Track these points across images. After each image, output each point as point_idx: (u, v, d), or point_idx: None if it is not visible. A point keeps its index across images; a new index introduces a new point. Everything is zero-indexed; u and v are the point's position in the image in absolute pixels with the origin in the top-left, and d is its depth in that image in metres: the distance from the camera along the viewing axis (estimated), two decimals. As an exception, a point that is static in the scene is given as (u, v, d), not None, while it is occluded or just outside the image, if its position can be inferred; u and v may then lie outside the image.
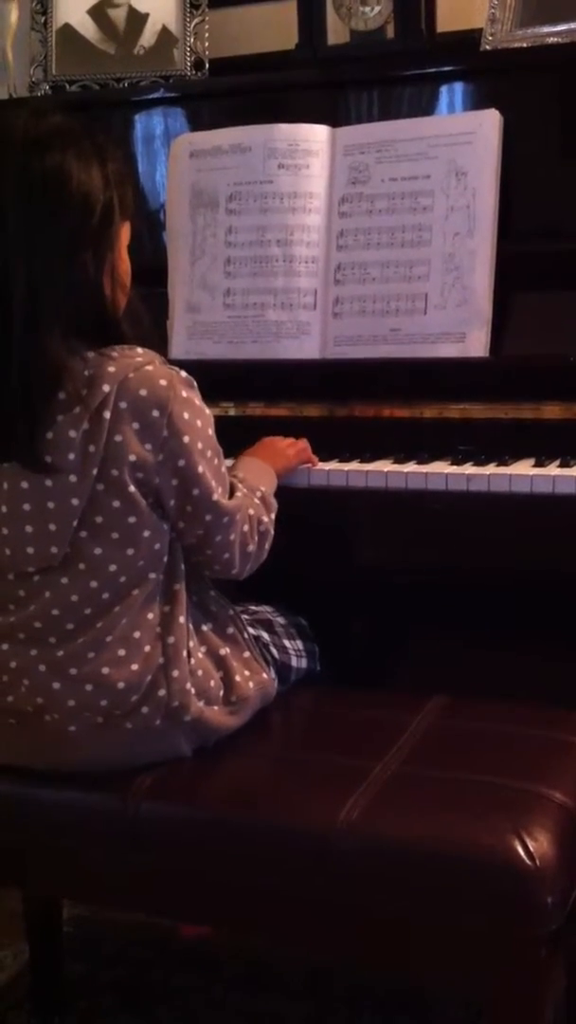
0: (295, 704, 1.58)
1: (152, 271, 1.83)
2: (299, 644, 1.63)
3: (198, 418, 1.37)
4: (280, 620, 1.64)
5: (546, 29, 1.92)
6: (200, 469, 1.37)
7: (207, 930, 1.93)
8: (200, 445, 1.37)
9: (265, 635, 1.58)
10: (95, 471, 1.32)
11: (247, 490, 1.48)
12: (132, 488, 1.34)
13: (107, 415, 1.31)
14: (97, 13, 2.28)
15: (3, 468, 1.35)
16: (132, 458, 1.33)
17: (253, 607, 1.63)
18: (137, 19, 2.26)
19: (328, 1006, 1.80)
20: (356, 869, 1.27)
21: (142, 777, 1.40)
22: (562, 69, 1.84)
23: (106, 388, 1.31)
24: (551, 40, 1.91)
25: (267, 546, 1.49)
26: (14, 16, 2.32)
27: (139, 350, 1.36)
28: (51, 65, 2.30)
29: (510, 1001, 1.26)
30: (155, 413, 1.33)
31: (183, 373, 1.37)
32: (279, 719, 1.53)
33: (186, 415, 1.35)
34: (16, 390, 1.30)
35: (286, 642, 1.61)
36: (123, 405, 1.31)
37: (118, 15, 2.28)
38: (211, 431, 1.40)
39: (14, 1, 2.32)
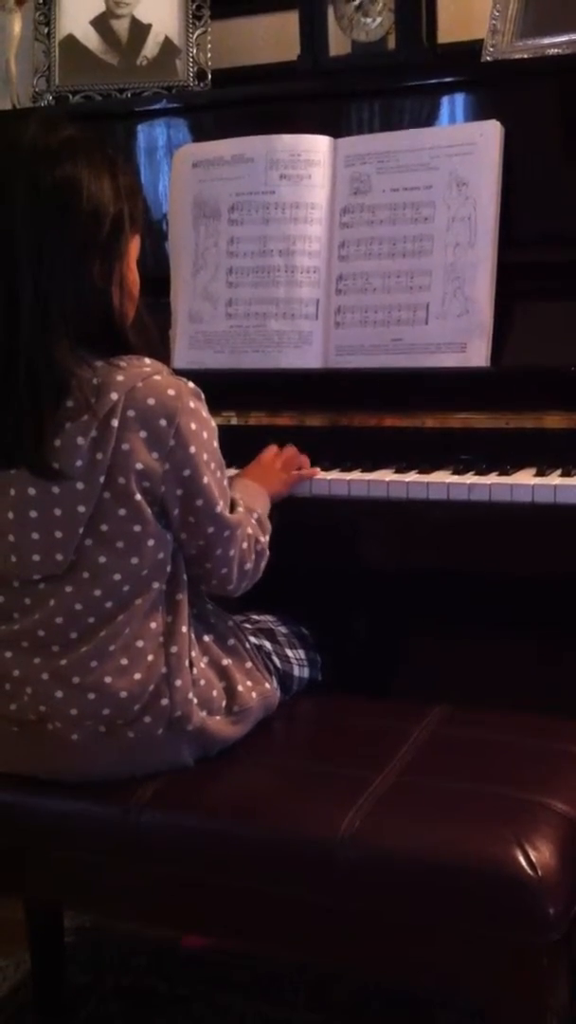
0: (297, 713, 1.58)
1: (155, 281, 1.83)
2: (301, 653, 1.63)
3: (204, 429, 1.38)
4: (282, 629, 1.64)
5: (547, 40, 1.93)
6: (205, 480, 1.38)
7: (207, 941, 1.93)
8: (205, 456, 1.38)
9: (267, 644, 1.58)
10: (102, 479, 1.33)
11: (245, 509, 1.49)
12: (138, 496, 1.34)
13: (115, 423, 1.32)
14: (100, 24, 2.29)
15: (11, 475, 1.35)
16: (139, 466, 1.33)
17: (255, 616, 1.64)
18: (140, 30, 2.27)
19: (332, 1014, 1.80)
20: (358, 879, 1.27)
21: (144, 787, 1.40)
22: (563, 79, 1.85)
23: (114, 396, 1.32)
24: (552, 51, 1.92)
25: (262, 566, 1.50)
26: (17, 27, 2.33)
27: (147, 360, 1.37)
28: (54, 76, 2.31)
29: (513, 1011, 1.26)
30: (163, 423, 1.34)
31: (191, 384, 1.38)
32: (281, 728, 1.53)
33: (193, 426, 1.36)
34: (24, 397, 1.31)
35: (288, 651, 1.61)
36: (131, 414, 1.32)
37: (121, 26, 2.28)
38: (216, 443, 1.41)
39: (17, 12, 2.32)
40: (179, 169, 2.01)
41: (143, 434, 1.33)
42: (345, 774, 1.40)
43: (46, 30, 2.31)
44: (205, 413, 1.39)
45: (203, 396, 1.40)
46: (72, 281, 1.33)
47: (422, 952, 1.28)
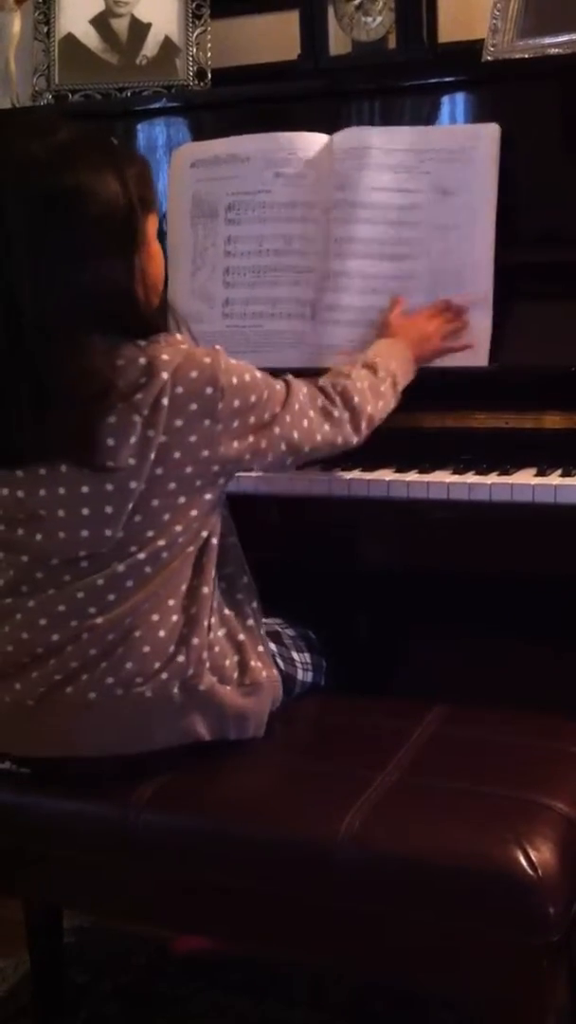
0: (297, 713, 1.58)
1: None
2: (307, 657, 1.63)
3: (244, 373, 1.43)
4: (289, 632, 1.64)
5: (547, 40, 1.92)
6: (252, 399, 1.43)
7: (201, 943, 1.93)
8: (253, 398, 1.43)
9: (272, 646, 1.58)
10: (152, 455, 1.36)
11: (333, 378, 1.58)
12: (189, 469, 1.39)
13: (165, 401, 1.36)
14: (100, 23, 2.29)
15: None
16: (192, 439, 1.38)
17: (263, 619, 1.63)
18: (139, 29, 2.27)
19: (332, 1014, 1.80)
20: (358, 879, 1.27)
21: (143, 787, 1.40)
22: (564, 79, 1.85)
23: (164, 376, 1.36)
24: (552, 51, 1.92)
25: (358, 402, 1.56)
26: (17, 26, 2.33)
27: (178, 336, 1.43)
28: (54, 75, 2.30)
29: (512, 1011, 1.26)
30: (209, 390, 1.39)
31: (217, 346, 1.43)
32: (281, 729, 1.53)
33: (234, 380, 1.41)
34: (69, 395, 1.34)
35: (294, 654, 1.61)
36: (179, 390, 1.37)
37: (120, 25, 2.28)
38: (257, 375, 1.45)
39: (17, 11, 2.32)
40: (177, 169, 2.01)
41: (194, 406, 1.38)
42: (345, 774, 1.40)
43: (45, 29, 2.31)
44: (234, 361, 1.43)
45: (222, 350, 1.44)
46: (93, 281, 1.35)
47: (422, 952, 1.28)
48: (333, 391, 1.55)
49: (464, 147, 1.82)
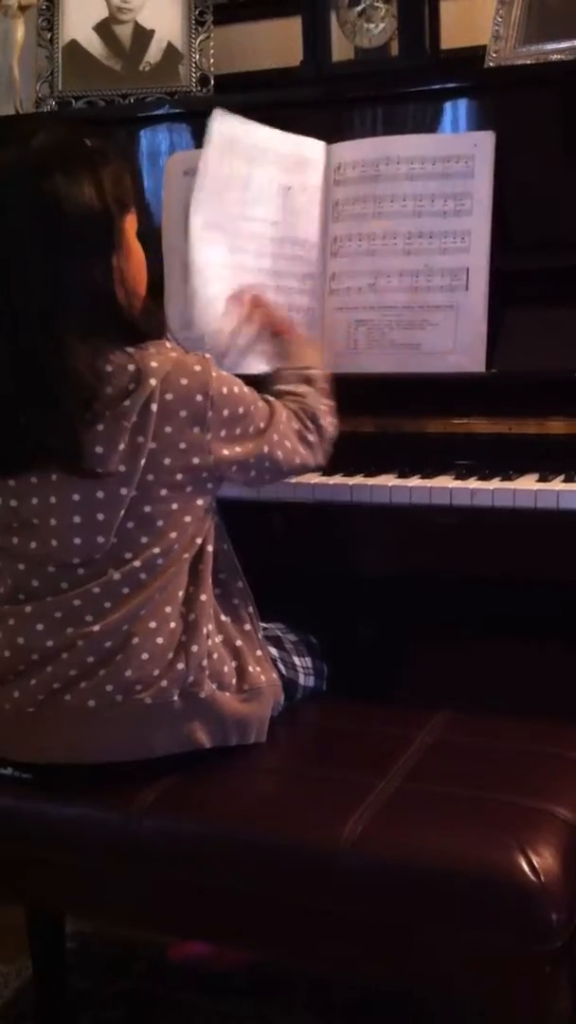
0: (299, 719, 1.58)
1: (152, 286, 1.84)
2: (308, 662, 1.63)
3: (233, 385, 1.45)
4: (290, 637, 1.64)
5: (550, 46, 1.93)
6: (240, 411, 1.46)
7: (198, 949, 1.92)
8: (241, 410, 1.45)
9: (274, 651, 1.58)
10: (143, 461, 1.37)
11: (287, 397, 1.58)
12: (179, 476, 1.40)
13: (154, 407, 1.37)
14: (103, 29, 2.29)
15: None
16: (183, 446, 1.39)
17: (264, 624, 1.63)
18: (143, 35, 2.27)
19: (332, 1017, 1.80)
20: (360, 885, 1.27)
21: (145, 792, 1.40)
22: (565, 86, 1.85)
23: (153, 382, 1.37)
24: (555, 57, 1.92)
25: (324, 426, 1.58)
26: (20, 32, 2.33)
27: (168, 344, 1.43)
28: (57, 81, 2.31)
29: (514, 1018, 1.26)
30: (199, 398, 1.40)
31: (204, 355, 1.45)
32: (283, 734, 1.53)
33: (224, 390, 1.43)
34: (56, 400, 1.35)
35: (295, 659, 1.62)
36: (169, 397, 1.38)
37: (124, 31, 2.29)
38: (244, 388, 1.47)
39: (20, 17, 2.33)
40: (171, 177, 2.01)
41: (183, 413, 1.39)
42: (348, 780, 1.40)
43: (49, 35, 2.31)
44: (224, 372, 1.46)
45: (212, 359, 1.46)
46: (76, 286, 1.36)
47: (424, 958, 1.28)
48: (305, 415, 1.57)
49: (462, 152, 1.82)
